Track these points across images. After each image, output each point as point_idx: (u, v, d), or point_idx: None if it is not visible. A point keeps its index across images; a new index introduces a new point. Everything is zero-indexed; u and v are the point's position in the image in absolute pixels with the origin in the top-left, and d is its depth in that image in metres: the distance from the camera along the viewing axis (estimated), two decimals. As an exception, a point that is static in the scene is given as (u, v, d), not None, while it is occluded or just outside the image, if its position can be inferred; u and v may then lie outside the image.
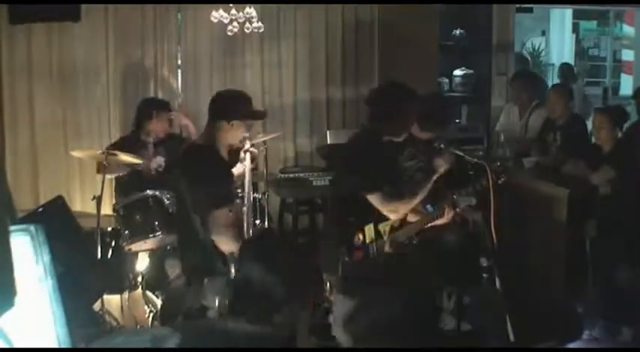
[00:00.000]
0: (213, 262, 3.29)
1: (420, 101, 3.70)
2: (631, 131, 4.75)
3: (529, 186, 4.87)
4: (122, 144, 4.57)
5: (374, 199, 3.54)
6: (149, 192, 4.17)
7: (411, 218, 3.73)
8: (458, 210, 3.70)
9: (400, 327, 2.82)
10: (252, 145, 3.58)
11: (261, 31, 5.11)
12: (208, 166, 3.30)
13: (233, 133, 3.38)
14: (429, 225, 3.73)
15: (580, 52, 11.10)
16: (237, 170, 3.70)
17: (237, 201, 3.53)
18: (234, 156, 3.66)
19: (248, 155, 3.52)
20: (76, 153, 4.70)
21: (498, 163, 3.69)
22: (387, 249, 3.59)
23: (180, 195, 3.43)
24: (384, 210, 3.59)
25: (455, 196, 3.66)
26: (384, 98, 3.67)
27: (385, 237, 3.62)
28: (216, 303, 3.25)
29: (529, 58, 9.63)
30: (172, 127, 4.99)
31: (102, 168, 4.19)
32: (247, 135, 3.50)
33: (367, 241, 3.56)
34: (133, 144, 4.59)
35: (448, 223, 3.77)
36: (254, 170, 4.99)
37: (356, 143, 3.79)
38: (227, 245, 3.24)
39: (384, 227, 3.63)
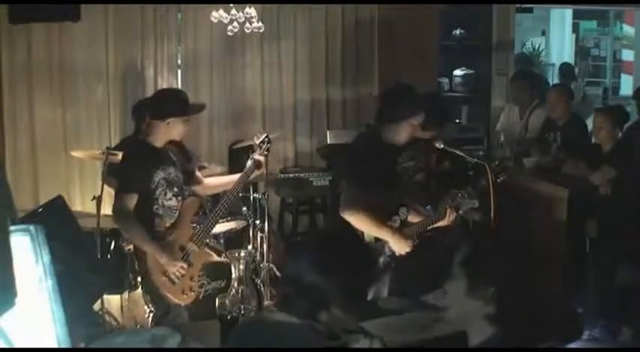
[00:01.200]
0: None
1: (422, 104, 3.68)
2: (631, 131, 4.75)
3: (529, 186, 4.87)
4: (123, 146, 4.56)
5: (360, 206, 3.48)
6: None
7: (413, 219, 3.72)
8: (461, 212, 3.66)
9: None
10: (266, 153, 3.67)
11: (261, 31, 5.10)
12: (132, 156, 3.53)
13: (172, 130, 3.48)
14: (430, 227, 3.70)
15: (581, 53, 11.09)
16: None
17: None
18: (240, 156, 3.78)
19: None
20: (76, 153, 4.70)
21: (497, 162, 3.68)
22: (386, 250, 3.58)
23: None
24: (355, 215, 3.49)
25: (460, 196, 3.63)
26: (394, 100, 3.64)
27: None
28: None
29: (531, 58, 9.62)
30: None
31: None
32: (257, 142, 3.85)
33: (366, 241, 3.55)
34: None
35: (449, 225, 3.74)
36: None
37: (358, 143, 3.78)
38: (129, 229, 3.46)
39: None
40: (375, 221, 3.45)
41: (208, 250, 3.72)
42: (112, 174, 4.37)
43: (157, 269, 3.41)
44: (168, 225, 3.51)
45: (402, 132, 3.54)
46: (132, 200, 3.35)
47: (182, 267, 3.44)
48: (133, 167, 3.44)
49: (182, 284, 3.47)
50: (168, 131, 3.46)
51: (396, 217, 3.63)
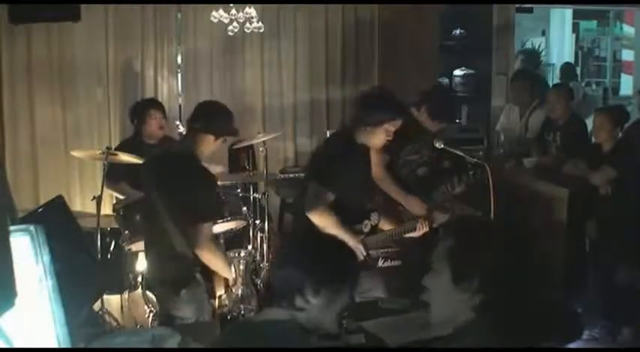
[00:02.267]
0: (192, 274, 3.23)
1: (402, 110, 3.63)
2: (631, 131, 4.75)
3: (529, 186, 4.87)
4: (124, 147, 4.55)
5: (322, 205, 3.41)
6: (120, 196, 4.18)
7: (384, 226, 3.66)
8: (434, 225, 3.56)
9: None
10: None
11: (261, 31, 5.11)
12: (196, 178, 3.21)
13: (215, 147, 3.34)
14: (403, 236, 3.61)
15: (584, 56, 11.08)
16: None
17: None
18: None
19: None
20: (76, 153, 4.70)
21: (475, 159, 3.66)
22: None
23: (153, 206, 3.29)
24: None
25: (448, 188, 3.59)
26: (371, 104, 3.54)
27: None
28: (194, 314, 3.24)
29: (537, 54, 9.60)
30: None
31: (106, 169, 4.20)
32: None
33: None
34: (134, 146, 4.57)
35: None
36: (254, 170, 5.02)
37: (331, 144, 3.71)
38: (212, 258, 3.19)
39: None
40: (339, 223, 3.37)
41: None
42: (113, 177, 4.36)
43: (219, 288, 3.29)
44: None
45: (377, 137, 3.48)
46: (210, 227, 3.21)
47: None
48: (204, 191, 3.22)
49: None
50: (212, 148, 3.34)
51: (367, 222, 3.58)
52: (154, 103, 4.80)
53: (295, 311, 1.86)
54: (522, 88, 5.72)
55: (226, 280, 3.24)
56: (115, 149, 4.54)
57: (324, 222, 3.36)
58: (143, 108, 4.67)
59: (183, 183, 3.16)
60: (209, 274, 3.28)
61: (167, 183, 3.23)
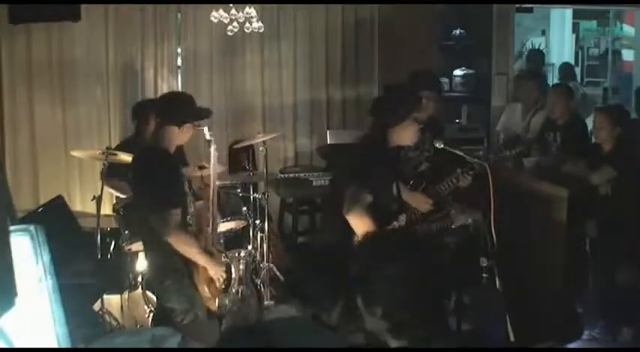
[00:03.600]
0: (174, 265, 3.30)
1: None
2: (631, 131, 4.74)
3: (529, 186, 4.86)
4: (124, 147, 4.55)
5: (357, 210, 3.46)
6: (120, 195, 4.17)
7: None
8: (453, 226, 3.69)
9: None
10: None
11: (261, 31, 5.10)
12: (161, 168, 3.30)
13: (183, 135, 3.40)
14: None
15: (583, 56, 11.07)
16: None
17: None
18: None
19: (213, 152, 3.55)
20: (76, 153, 4.70)
21: (475, 159, 3.69)
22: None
23: (137, 198, 3.46)
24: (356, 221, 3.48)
25: (451, 182, 3.66)
26: (390, 103, 3.62)
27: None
28: (183, 306, 3.28)
29: (544, 53, 9.59)
30: None
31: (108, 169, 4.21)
32: (211, 138, 3.53)
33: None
34: (135, 146, 4.55)
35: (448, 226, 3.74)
36: (254, 170, 5.02)
37: (364, 146, 3.76)
38: (183, 245, 3.25)
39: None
40: (376, 223, 3.43)
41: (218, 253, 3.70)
42: (113, 175, 4.36)
43: (203, 280, 3.37)
44: (196, 233, 3.45)
45: (408, 132, 3.54)
46: (177, 214, 3.25)
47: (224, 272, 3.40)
48: (167, 179, 3.28)
49: (216, 291, 3.44)
50: (181, 136, 3.39)
51: (395, 223, 3.63)
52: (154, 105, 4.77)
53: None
54: (531, 89, 5.70)
55: (208, 272, 3.29)
56: (116, 148, 4.54)
57: (361, 223, 3.41)
58: (145, 110, 4.65)
59: (149, 173, 3.31)
60: (192, 266, 3.34)
61: (137, 175, 3.42)
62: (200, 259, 3.31)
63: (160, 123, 3.42)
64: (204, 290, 3.37)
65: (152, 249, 3.40)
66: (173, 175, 3.34)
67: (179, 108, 3.41)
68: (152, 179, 3.28)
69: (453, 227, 3.65)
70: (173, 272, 3.32)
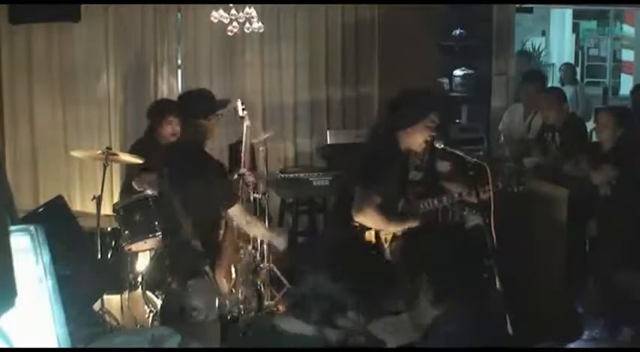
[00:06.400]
0: (201, 267, 3.34)
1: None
2: (631, 131, 4.74)
3: (529, 186, 4.86)
4: (137, 147, 4.52)
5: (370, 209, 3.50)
6: (149, 192, 4.15)
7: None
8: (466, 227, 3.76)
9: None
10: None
11: (261, 31, 5.10)
12: (208, 166, 3.38)
13: (212, 127, 3.56)
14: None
15: (583, 56, 11.09)
16: None
17: None
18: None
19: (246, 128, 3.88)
20: (76, 153, 4.69)
21: (475, 159, 3.69)
22: (387, 257, 3.58)
23: (167, 197, 3.55)
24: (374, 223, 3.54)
25: (457, 196, 3.66)
26: (404, 106, 3.64)
27: (386, 246, 3.61)
28: (203, 306, 3.31)
29: (532, 55, 9.60)
30: None
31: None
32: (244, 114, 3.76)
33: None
34: (147, 146, 4.51)
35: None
36: (253, 170, 5.01)
37: (375, 148, 3.76)
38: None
39: (385, 235, 3.62)
40: (386, 218, 3.51)
41: None
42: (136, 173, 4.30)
43: (222, 276, 3.53)
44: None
45: (417, 138, 3.56)
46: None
47: None
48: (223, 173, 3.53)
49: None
50: (210, 128, 3.58)
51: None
52: (173, 109, 4.50)
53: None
54: (535, 89, 5.69)
55: (229, 277, 3.34)
56: (130, 149, 4.53)
57: (370, 223, 3.47)
58: (161, 112, 4.55)
59: (196, 173, 3.36)
60: (216, 270, 3.37)
61: (180, 175, 3.46)
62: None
63: (187, 120, 3.60)
64: (224, 285, 3.48)
65: (181, 250, 3.50)
66: (222, 174, 3.58)
67: (203, 102, 3.61)
68: (206, 180, 3.38)
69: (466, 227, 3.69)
70: (199, 274, 3.40)
